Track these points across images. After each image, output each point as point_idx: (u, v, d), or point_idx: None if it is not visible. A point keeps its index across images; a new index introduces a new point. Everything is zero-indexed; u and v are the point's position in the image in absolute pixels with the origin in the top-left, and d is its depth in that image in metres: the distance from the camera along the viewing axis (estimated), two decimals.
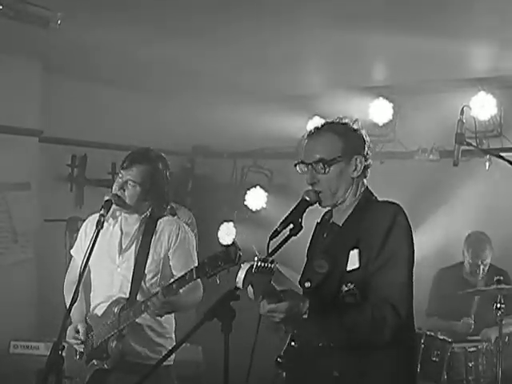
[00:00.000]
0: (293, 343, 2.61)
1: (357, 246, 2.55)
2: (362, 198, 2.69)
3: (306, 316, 2.45)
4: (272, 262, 2.32)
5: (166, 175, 3.55)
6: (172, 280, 3.26)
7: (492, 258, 5.20)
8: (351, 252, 2.55)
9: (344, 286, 2.53)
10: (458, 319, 4.95)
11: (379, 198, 2.74)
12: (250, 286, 2.35)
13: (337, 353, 2.53)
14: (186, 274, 3.12)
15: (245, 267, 2.31)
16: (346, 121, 2.73)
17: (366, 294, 2.51)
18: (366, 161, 2.69)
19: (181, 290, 3.25)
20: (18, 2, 3.95)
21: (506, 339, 4.59)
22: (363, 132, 2.73)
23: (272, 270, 2.32)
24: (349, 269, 2.55)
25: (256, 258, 2.30)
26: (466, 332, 4.87)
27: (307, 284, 2.66)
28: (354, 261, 2.54)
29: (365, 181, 2.74)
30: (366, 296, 2.51)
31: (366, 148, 2.71)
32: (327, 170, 2.63)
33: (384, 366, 2.54)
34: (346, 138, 2.67)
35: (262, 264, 2.30)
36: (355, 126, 2.72)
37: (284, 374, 2.65)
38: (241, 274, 2.31)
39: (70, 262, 3.80)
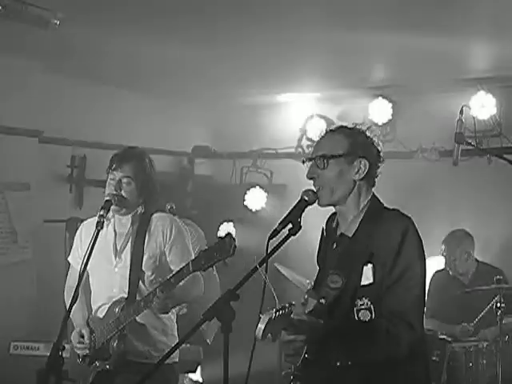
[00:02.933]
0: (307, 355, 2.62)
1: (370, 260, 2.55)
2: (369, 207, 2.68)
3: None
4: (290, 306, 2.34)
5: (154, 169, 3.61)
6: (169, 275, 3.27)
7: (486, 256, 5.23)
8: (365, 267, 2.55)
9: (359, 300, 2.53)
10: (454, 318, 4.96)
11: (386, 204, 2.74)
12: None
13: (353, 369, 2.53)
14: (182, 268, 3.14)
15: (264, 319, 2.29)
16: (360, 127, 2.76)
17: (380, 308, 2.51)
18: (371, 167, 2.68)
19: (181, 284, 3.27)
20: (18, 2, 3.95)
21: (506, 338, 4.58)
22: (375, 140, 2.74)
23: (290, 313, 2.34)
24: (363, 283, 2.54)
25: (274, 310, 2.31)
26: (464, 337, 4.87)
27: (322, 301, 2.65)
28: (368, 276, 2.54)
29: (372, 189, 2.73)
30: (380, 311, 2.51)
31: (375, 155, 2.71)
32: (326, 164, 2.64)
33: (401, 380, 2.55)
34: (352, 139, 2.68)
35: (281, 313, 2.32)
36: (367, 133, 2.73)
37: None
38: (261, 326, 2.29)
39: (68, 269, 3.81)
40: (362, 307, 2.52)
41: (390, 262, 2.52)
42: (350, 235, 2.68)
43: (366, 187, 2.70)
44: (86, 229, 3.67)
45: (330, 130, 2.76)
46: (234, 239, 2.82)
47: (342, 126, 2.76)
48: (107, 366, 3.41)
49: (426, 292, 5.08)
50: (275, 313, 2.29)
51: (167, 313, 3.43)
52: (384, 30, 4.45)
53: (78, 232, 3.77)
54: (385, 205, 2.73)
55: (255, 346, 2.42)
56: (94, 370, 3.45)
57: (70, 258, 3.79)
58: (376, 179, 2.74)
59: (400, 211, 2.67)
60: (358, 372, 2.51)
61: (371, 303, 2.51)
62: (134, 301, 3.39)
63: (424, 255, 2.59)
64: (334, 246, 2.75)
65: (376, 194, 2.74)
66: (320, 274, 2.83)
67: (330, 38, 4.68)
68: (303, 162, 2.75)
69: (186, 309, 4.27)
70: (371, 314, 2.51)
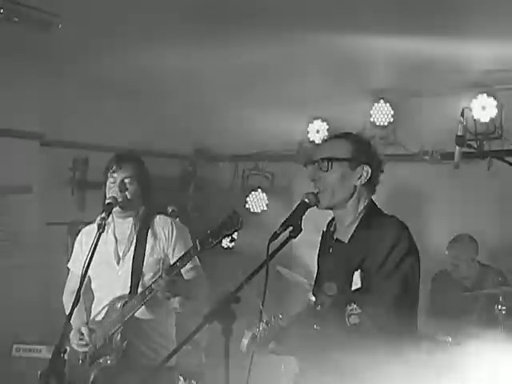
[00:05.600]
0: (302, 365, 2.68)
1: (361, 265, 2.57)
2: (366, 213, 2.70)
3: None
4: (275, 320, 2.38)
5: (148, 170, 3.63)
6: (176, 259, 3.27)
7: (487, 258, 5.23)
8: (355, 272, 2.58)
9: (348, 305, 2.55)
10: (453, 318, 4.96)
11: (383, 206, 2.76)
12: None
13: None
14: (190, 249, 3.13)
15: (248, 335, 2.33)
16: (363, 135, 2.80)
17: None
18: (373, 175, 2.71)
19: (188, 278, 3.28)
20: (19, 5, 3.96)
21: None
22: (378, 149, 2.77)
23: (276, 328, 2.35)
24: (353, 289, 2.58)
25: (261, 326, 2.33)
26: None
27: (318, 308, 2.70)
28: (356, 281, 2.57)
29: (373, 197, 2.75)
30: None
31: (378, 164, 2.73)
32: (329, 167, 2.66)
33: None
34: (356, 146, 2.71)
35: (265, 328, 2.34)
36: (371, 142, 2.77)
37: None
38: (245, 340, 2.36)
39: (67, 276, 3.81)
40: (352, 312, 2.53)
41: (377, 265, 2.53)
42: (346, 241, 2.70)
43: (365, 194, 2.73)
44: (86, 236, 3.68)
45: (335, 136, 2.79)
46: (238, 214, 2.85)
47: (347, 133, 2.78)
48: (108, 362, 3.40)
49: (429, 291, 5.15)
50: (259, 328, 2.29)
51: (173, 297, 3.39)
52: (385, 33, 4.45)
53: (78, 239, 3.76)
54: (384, 211, 2.74)
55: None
56: (96, 367, 3.44)
57: (70, 265, 3.79)
58: (376, 187, 2.75)
59: (397, 218, 2.67)
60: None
61: (359, 308, 2.52)
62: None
63: (418, 263, 2.59)
64: (330, 250, 2.78)
65: (373, 199, 2.76)
66: (317, 278, 2.85)
67: (331, 41, 4.68)
68: (305, 165, 2.77)
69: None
70: (360, 318, 2.52)
